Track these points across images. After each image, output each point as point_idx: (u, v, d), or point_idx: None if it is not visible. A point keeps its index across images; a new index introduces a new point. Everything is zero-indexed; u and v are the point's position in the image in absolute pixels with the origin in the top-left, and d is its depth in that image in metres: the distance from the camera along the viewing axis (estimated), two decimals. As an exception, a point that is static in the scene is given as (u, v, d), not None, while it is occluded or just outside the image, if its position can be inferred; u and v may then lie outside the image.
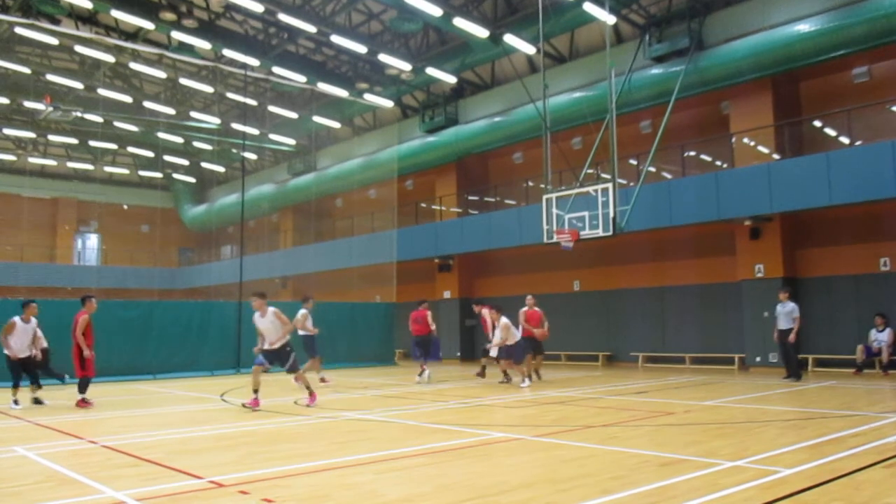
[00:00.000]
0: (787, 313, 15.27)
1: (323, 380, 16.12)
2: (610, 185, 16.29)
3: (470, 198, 27.83)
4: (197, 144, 36.98)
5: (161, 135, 34.21)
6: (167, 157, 39.87)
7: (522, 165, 26.52)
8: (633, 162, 21.70)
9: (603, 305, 23.57)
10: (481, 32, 21.42)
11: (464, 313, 27.29)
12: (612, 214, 16.15)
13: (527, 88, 20.60)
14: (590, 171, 19.76)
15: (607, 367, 22.11)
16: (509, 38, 21.51)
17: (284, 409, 11.51)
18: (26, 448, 7.75)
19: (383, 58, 24.23)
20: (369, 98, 27.58)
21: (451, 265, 27.45)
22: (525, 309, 16.39)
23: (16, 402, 11.96)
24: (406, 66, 24.73)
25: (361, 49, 23.72)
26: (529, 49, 22.26)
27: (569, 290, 24.58)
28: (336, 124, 31.35)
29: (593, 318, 23.79)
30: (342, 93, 27.21)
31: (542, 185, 18.08)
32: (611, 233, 16.32)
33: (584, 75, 22.83)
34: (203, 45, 23.54)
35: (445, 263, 27.46)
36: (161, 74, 28.53)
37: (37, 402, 12.45)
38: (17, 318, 12.21)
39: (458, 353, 26.93)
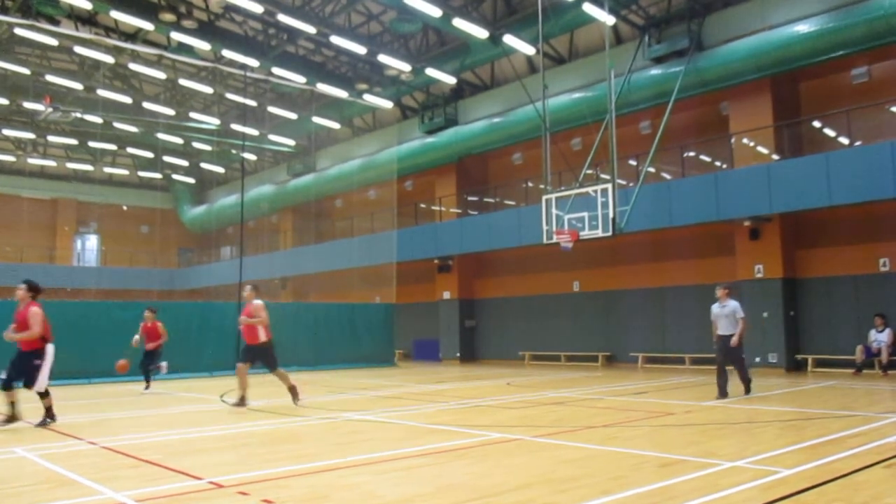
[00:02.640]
0: (727, 314, 12.32)
1: None
2: (609, 186, 16.31)
3: (469, 198, 27.83)
4: (196, 145, 36.99)
5: (160, 135, 34.19)
6: (167, 158, 39.86)
7: (522, 166, 26.54)
8: (633, 162, 21.72)
9: (603, 306, 23.58)
10: (481, 33, 21.42)
11: (463, 314, 27.31)
12: (611, 215, 16.17)
13: (526, 89, 20.61)
14: (589, 171, 19.78)
15: (607, 367, 22.12)
16: (509, 39, 21.52)
17: (284, 409, 11.51)
18: (26, 449, 7.75)
19: (383, 58, 24.23)
20: (369, 99, 27.58)
21: (451, 266, 27.45)
22: (257, 302, 11.81)
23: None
24: (405, 67, 24.73)
25: (361, 50, 23.72)
26: (529, 50, 22.26)
27: (568, 290, 24.60)
28: (336, 125, 31.34)
29: (593, 319, 23.81)
30: (342, 93, 27.21)
31: (542, 186, 18.09)
32: (610, 233, 16.34)
33: (583, 76, 22.84)
34: (202, 45, 23.54)
35: (445, 264, 27.46)
36: (160, 75, 28.54)
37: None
38: None
39: (458, 354, 26.93)
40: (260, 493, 5.51)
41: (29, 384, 9.43)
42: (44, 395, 9.63)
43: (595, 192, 16.60)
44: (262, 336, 11.68)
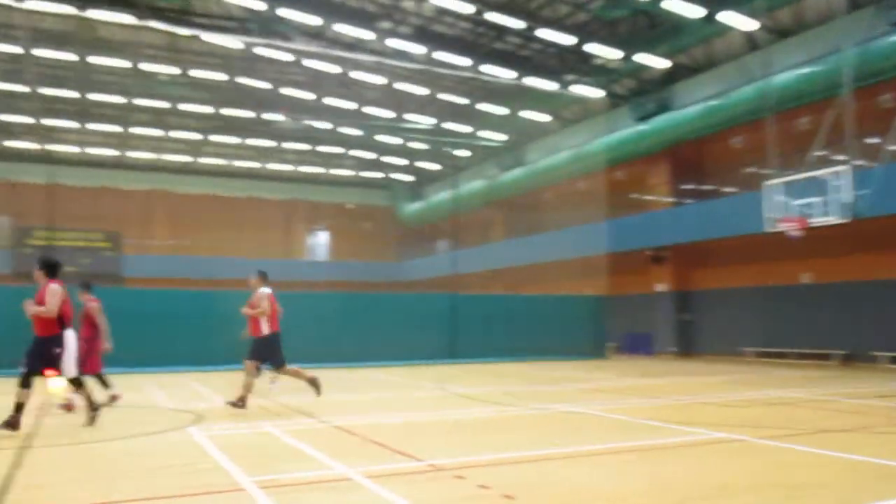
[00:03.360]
0: None
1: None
2: (845, 168, 14.85)
3: (684, 186, 26.65)
4: (413, 145, 38.89)
5: (380, 137, 36.43)
6: (386, 158, 42.39)
7: (741, 150, 24.86)
8: (874, 140, 19.49)
9: (839, 298, 21.44)
10: (695, 12, 20.40)
11: (679, 306, 26.26)
12: (847, 199, 14.71)
13: (746, 68, 19.30)
14: (820, 152, 18.10)
15: (843, 366, 20.13)
16: (726, 16, 20.28)
17: (495, 398, 11.79)
18: (272, 425, 8.67)
19: (591, 47, 23.91)
20: (577, 89, 27.34)
21: (666, 256, 26.47)
22: (262, 291, 10.38)
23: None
24: (614, 54, 24.21)
25: (569, 40, 23.60)
26: (749, 25, 20.81)
27: (798, 281, 22.69)
28: (544, 118, 31.42)
29: (827, 313, 21.73)
30: (550, 86, 27.23)
31: (765, 170, 16.87)
32: (846, 219, 14.88)
33: (812, 48, 20.86)
34: (417, 49, 24.71)
35: (659, 255, 26.55)
36: (380, 80, 30.32)
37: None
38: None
39: (673, 349, 25.94)
40: (475, 477, 5.73)
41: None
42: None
43: (827, 174, 15.20)
44: (265, 329, 10.17)
